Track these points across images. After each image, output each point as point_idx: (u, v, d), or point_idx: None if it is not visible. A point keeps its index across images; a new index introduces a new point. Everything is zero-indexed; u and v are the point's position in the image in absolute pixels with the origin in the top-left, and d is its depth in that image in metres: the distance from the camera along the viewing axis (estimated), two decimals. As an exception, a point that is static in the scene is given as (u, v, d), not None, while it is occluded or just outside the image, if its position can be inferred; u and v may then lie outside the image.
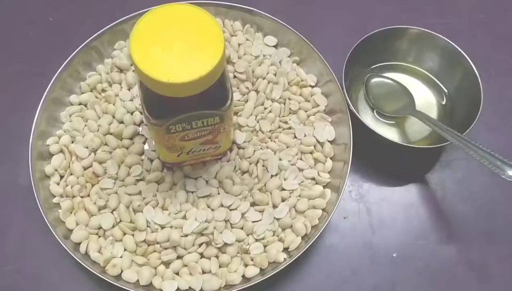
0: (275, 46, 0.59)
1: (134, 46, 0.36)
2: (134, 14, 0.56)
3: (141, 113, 0.54)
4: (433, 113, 0.58)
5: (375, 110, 0.58)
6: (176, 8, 0.38)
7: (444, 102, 0.59)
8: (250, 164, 0.52)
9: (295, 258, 0.46)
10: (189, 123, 0.41)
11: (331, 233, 0.53)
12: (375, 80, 0.59)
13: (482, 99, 0.53)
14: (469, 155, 0.47)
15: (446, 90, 0.59)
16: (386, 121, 0.57)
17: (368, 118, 0.58)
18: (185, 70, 0.35)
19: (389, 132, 0.57)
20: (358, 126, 0.52)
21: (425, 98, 0.59)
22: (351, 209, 0.54)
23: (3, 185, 0.53)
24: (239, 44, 0.58)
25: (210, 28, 0.37)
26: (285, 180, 0.51)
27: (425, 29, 0.57)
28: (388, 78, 0.59)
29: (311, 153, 0.53)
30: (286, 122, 0.55)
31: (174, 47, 0.36)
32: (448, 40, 0.56)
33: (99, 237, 0.49)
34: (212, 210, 0.49)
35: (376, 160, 0.57)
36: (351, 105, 0.52)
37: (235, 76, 0.56)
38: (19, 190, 0.53)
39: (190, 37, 0.36)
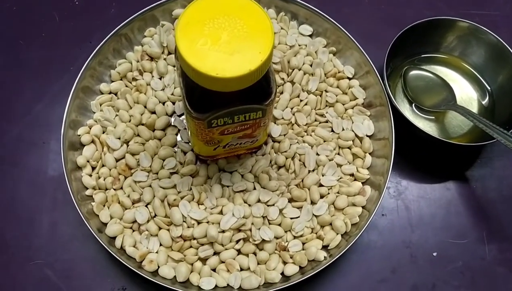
0: (311, 36, 0.58)
1: (180, 36, 0.35)
2: (165, 0, 0.56)
3: (173, 103, 0.54)
4: (474, 109, 0.58)
5: (413, 104, 0.57)
6: None
7: (485, 100, 0.58)
8: (286, 158, 0.51)
9: (336, 257, 0.46)
10: (231, 117, 0.40)
11: (369, 230, 0.53)
12: (413, 72, 0.58)
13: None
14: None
15: (489, 87, 0.58)
16: (424, 115, 0.57)
17: (406, 112, 0.57)
18: (233, 64, 0.34)
19: (428, 127, 0.56)
20: (397, 121, 0.52)
21: (466, 94, 0.59)
22: (389, 206, 0.54)
23: (32, 176, 0.53)
24: (274, 33, 0.57)
25: (259, 19, 0.36)
26: (323, 175, 0.51)
27: (470, 21, 0.56)
28: (427, 70, 0.58)
29: (349, 147, 0.53)
30: (322, 116, 0.54)
31: (221, 39, 0.35)
32: (495, 36, 0.56)
33: (134, 231, 0.49)
34: (249, 205, 0.49)
35: (414, 155, 0.56)
36: (392, 98, 0.51)
37: (269, 67, 0.55)
38: (49, 181, 0.53)
39: (239, 28, 0.35)
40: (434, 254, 0.52)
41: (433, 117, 0.57)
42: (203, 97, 0.38)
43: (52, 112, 0.54)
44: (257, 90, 0.38)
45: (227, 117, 0.40)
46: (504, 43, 0.55)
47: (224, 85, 0.35)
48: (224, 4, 0.36)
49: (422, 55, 0.60)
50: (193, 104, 0.39)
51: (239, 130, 0.43)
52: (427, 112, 0.57)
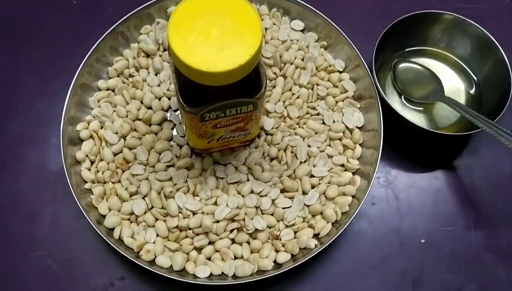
0: (302, 31, 0.60)
1: (172, 33, 0.36)
2: (161, -3, 0.57)
3: (169, 98, 0.55)
4: (461, 100, 0.59)
5: (402, 96, 0.58)
6: None
7: (472, 90, 0.59)
8: (278, 150, 0.53)
9: (326, 244, 0.47)
10: (223, 111, 0.42)
11: (359, 218, 0.54)
12: (402, 65, 0.59)
13: (512, 88, 0.54)
14: (500, 142, 0.48)
15: (475, 78, 0.60)
16: (413, 107, 0.58)
17: (396, 104, 0.58)
18: (223, 59, 0.35)
19: (417, 118, 0.58)
20: (386, 112, 0.53)
21: (454, 85, 0.60)
22: (379, 195, 0.55)
23: (33, 170, 0.55)
24: (266, 29, 0.59)
25: (247, 15, 0.37)
26: (314, 166, 0.52)
27: (456, 14, 0.57)
28: (416, 63, 0.60)
29: (340, 139, 0.54)
30: (314, 108, 0.55)
31: (211, 35, 0.36)
32: (480, 28, 0.57)
33: (131, 222, 0.50)
34: (243, 196, 0.50)
35: (403, 146, 0.58)
36: (381, 91, 0.53)
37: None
38: (49, 175, 0.54)
39: (228, 25, 0.37)
40: (422, 240, 0.54)
41: (422, 108, 0.58)
42: (196, 91, 0.40)
43: (52, 109, 0.56)
44: (248, 84, 0.40)
45: (219, 111, 0.41)
46: (489, 34, 0.56)
47: (215, 79, 0.36)
48: (214, 1, 0.38)
49: (411, 48, 0.61)
50: (186, 99, 0.41)
51: (231, 124, 0.45)
52: (416, 103, 0.58)
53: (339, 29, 0.56)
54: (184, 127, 0.51)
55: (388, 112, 0.53)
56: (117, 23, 0.56)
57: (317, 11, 0.57)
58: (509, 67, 0.55)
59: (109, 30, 0.55)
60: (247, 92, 0.41)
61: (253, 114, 0.44)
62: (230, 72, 0.36)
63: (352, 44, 0.55)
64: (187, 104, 0.41)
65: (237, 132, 0.47)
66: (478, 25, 0.57)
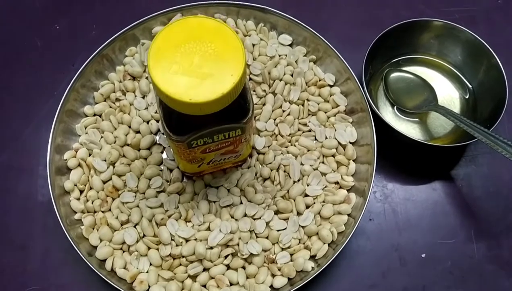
0: (291, 45, 0.58)
1: (152, 64, 0.35)
2: (144, 18, 0.55)
3: (157, 121, 0.54)
4: (456, 107, 0.57)
5: (395, 107, 0.57)
6: (193, 21, 0.37)
7: (467, 97, 0.58)
8: (271, 170, 0.51)
9: (324, 267, 0.45)
10: (210, 137, 0.40)
11: (357, 236, 0.53)
12: (394, 75, 0.58)
13: (507, 92, 0.52)
14: (497, 152, 0.47)
15: (469, 85, 0.58)
16: (407, 117, 0.57)
17: (389, 115, 0.57)
18: (206, 88, 0.34)
19: (411, 129, 0.56)
20: (379, 124, 0.51)
21: (447, 93, 0.58)
22: (376, 210, 0.54)
23: (21, 202, 0.53)
24: (253, 45, 0.57)
25: (230, 41, 0.36)
26: (308, 185, 0.51)
27: (446, 21, 0.56)
28: (408, 72, 0.58)
29: (333, 155, 0.53)
30: (305, 125, 0.54)
31: (193, 64, 0.35)
32: (471, 33, 0.55)
33: (124, 252, 0.49)
34: (236, 220, 0.49)
35: (399, 158, 0.56)
36: (372, 104, 0.51)
37: (250, 79, 0.55)
38: (39, 206, 0.53)
39: (210, 52, 0.35)
40: (423, 255, 0.52)
41: (417, 119, 0.57)
42: (181, 120, 0.38)
43: (39, 137, 0.54)
44: (234, 110, 0.38)
45: (206, 137, 0.40)
46: (480, 39, 0.55)
47: (198, 109, 0.35)
48: (194, 28, 0.36)
49: (402, 57, 0.60)
50: (172, 128, 0.39)
51: (220, 148, 0.43)
52: (409, 114, 0.57)
53: (327, 42, 0.55)
54: (173, 155, 0.50)
55: (381, 124, 0.51)
56: (102, 46, 0.54)
57: (304, 24, 0.56)
58: (503, 72, 0.53)
59: (94, 54, 0.54)
60: (234, 118, 0.40)
61: (242, 138, 0.43)
62: (214, 101, 0.34)
63: (341, 57, 0.54)
64: (173, 133, 0.40)
65: (228, 155, 0.46)
66: (469, 31, 0.55)
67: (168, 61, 0.35)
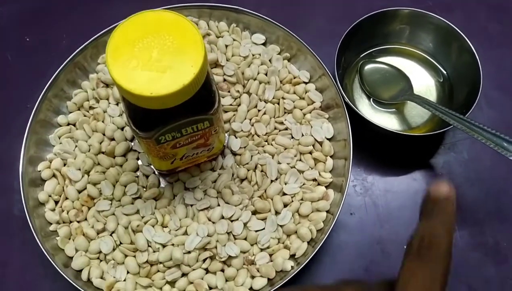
0: (264, 44, 0.56)
1: (111, 62, 0.34)
2: (115, 24, 0.53)
3: (131, 127, 0.52)
4: (433, 94, 0.56)
5: (371, 98, 0.55)
6: (150, 16, 0.35)
7: (442, 82, 0.56)
8: (248, 170, 0.50)
9: (303, 265, 0.44)
10: (178, 131, 0.39)
11: (338, 231, 0.51)
12: (369, 66, 0.56)
13: (482, 76, 0.51)
14: (474, 138, 0.45)
15: (443, 70, 0.57)
16: (384, 109, 0.55)
17: (365, 107, 0.55)
18: (167, 80, 0.33)
19: (389, 120, 0.54)
20: (356, 118, 0.50)
21: (423, 80, 0.57)
22: (357, 204, 0.52)
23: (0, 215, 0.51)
24: (227, 46, 0.55)
25: (188, 33, 0.35)
26: (285, 184, 0.49)
27: (415, 8, 0.54)
28: (382, 63, 0.57)
29: (310, 152, 0.51)
30: (282, 123, 0.52)
31: (152, 57, 0.34)
32: (440, 18, 0.54)
33: (101, 261, 0.47)
34: (213, 222, 0.47)
35: (377, 150, 0.54)
36: (346, 98, 0.49)
37: (224, 80, 0.54)
38: (15, 220, 0.51)
39: (169, 44, 0.34)
40: (405, 246, 0.50)
41: (394, 109, 0.55)
42: (146, 116, 0.37)
43: (13, 152, 0.52)
44: (199, 101, 0.37)
45: (174, 131, 0.39)
46: (451, 24, 0.54)
47: (161, 102, 0.34)
48: (151, 22, 0.35)
49: (375, 48, 0.58)
50: (138, 124, 0.38)
51: (191, 142, 0.42)
52: (386, 105, 0.55)
53: (300, 40, 0.53)
54: (145, 154, 0.48)
55: (358, 118, 0.50)
56: (73, 54, 0.52)
57: (276, 23, 0.54)
58: (477, 56, 0.52)
59: (65, 62, 0.52)
60: (200, 110, 0.39)
61: (211, 130, 0.42)
62: (175, 93, 0.33)
63: (314, 54, 0.52)
64: (139, 129, 0.38)
65: (200, 149, 0.45)
66: (437, 16, 0.54)
67: (126, 57, 0.34)
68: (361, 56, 0.58)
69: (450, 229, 0.27)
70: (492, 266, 0.50)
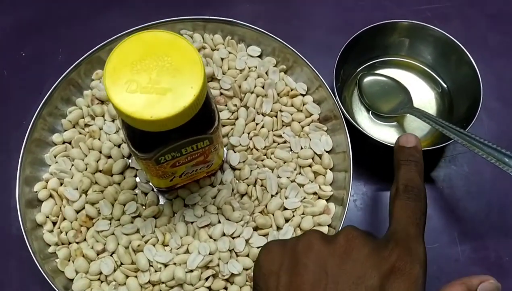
0: (260, 56, 0.58)
1: (109, 85, 0.34)
2: (109, 40, 0.55)
3: (128, 145, 0.53)
4: (433, 107, 0.57)
5: (371, 111, 0.57)
6: (148, 36, 0.36)
7: (442, 95, 0.58)
8: (248, 185, 0.51)
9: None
10: (178, 151, 0.40)
11: (340, 246, 0.52)
12: (368, 79, 0.58)
13: (482, 87, 0.52)
14: (474, 152, 0.47)
15: (443, 82, 0.58)
16: (383, 122, 0.57)
17: (365, 121, 0.57)
18: (167, 103, 0.34)
19: (388, 133, 0.56)
20: (355, 132, 0.51)
21: (423, 93, 0.58)
22: (357, 219, 0.54)
23: (-4, 236, 0.53)
24: (222, 59, 0.57)
25: (186, 53, 0.35)
26: (286, 198, 0.50)
27: (415, 20, 0.56)
28: (381, 75, 0.58)
29: (310, 165, 0.52)
30: (280, 136, 0.54)
31: (151, 79, 0.34)
32: (440, 30, 0.55)
33: (102, 282, 0.48)
34: (215, 240, 0.48)
35: (377, 164, 0.56)
36: (344, 111, 0.51)
37: (221, 94, 0.55)
38: (13, 240, 0.52)
39: (167, 66, 0.35)
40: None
41: (394, 122, 0.57)
42: (146, 137, 0.38)
43: (9, 170, 0.53)
44: (199, 121, 0.38)
45: (174, 152, 0.40)
46: (450, 37, 0.55)
47: (162, 125, 0.35)
48: (149, 43, 0.36)
49: (375, 60, 0.60)
50: (137, 146, 0.39)
51: (190, 160, 0.43)
52: (385, 118, 0.57)
53: (296, 51, 0.55)
54: (144, 172, 0.49)
55: (357, 131, 0.51)
56: (67, 71, 0.54)
57: (272, 35, 0.56)
58: (477, 68, 0.54)
59: (58, 80, 0.53)
60: (200, 129, 0.40)
61: (211, 148, 0.43)
62: (176, 116, 0.34)
63: (311, 66, 0.54)
64: (138, 151, 0.39)
65: (199, 166, 0.46)
66: (437, 28, 0.56)
67: (125, 80, 0.34)
68: (360, 68, 0.59)
69: (421, 172, 0.38)
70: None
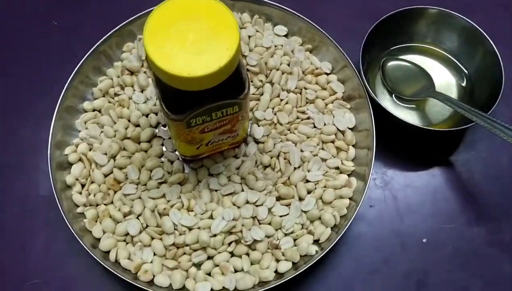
0: (286, 36, 0.61)
1: (148, 43, 0.37)
2: (140, 14, 0.58)
3: (156, 114, 0.56)
4: (453, 95, 0.60)
5: (393, 94, 0.60)
6: (186, 0, 0.39)
7: (464, 83, 0.61)
8: (271, 157, 0.54)
9: (328, 249, 0.48)
10: (209, 115, 0.43)
11: (358, 222, 0.55)
12: (391, 63, 0.61)
13: (503, 78, 0.55)
14: (495, 135, 0.49)
15: (466, 71, 0.61)
16: (405, 105, 0.59)
17: (387, 103, 0.59)
18: (203, 62, 0.36)
19: (410, 116, 0.59)
20: (377, 112, 0.54)
21: (445, 80, 0.61)
22: (377, 197, 0.56)
23: (23, 197, 0.55)
24: (249, 37, 0.60)
25: (223, 18, 0.38)
26: (308, 171, 0.53)
27: (442, 8, 0.59)
28: (405, 60, 0.61)
29: (332, 141, 0.55)
30: (304, 113, 0.56)
31: (189, 40, 0.37)
32: (467, 20, 0.58)
33: (127, 243, 0.51)
34: (238, 207, 0.51)
35: (398, 145, 0.58)
36: (369, 90, 0.54)
37: (248, 70, 0.58)
38: (40, 201, 0.55)
39: (204, 28, 0.37)
40: (424, 240, 0.54)
41: (414, 105, 0.59)
42: (179, 98, 0.40)
43: (39, 134, 0.56)
44: (231, 86, 0.40)
45: (205, 115, 0.42)
46: (476, 25, 0.58)
47: (196, 84, 0.37)
48: (188, 6, 0.38)
49: (399, 46, 0.62)
50: (170, 107, 0.42)
51: (218, 127, 0.46)
52: (407, 101, 0.59)
53: (323, 31, 0.57)
54: (172, 139, 0.52)
55: (380, 111, 0.54)
56: (98, 43, 0.57)
57: (299, 14, 0.58)
58: (499, 58, 0.56)
59: (90, 50, 0.56)
60: (231, 94, 0.42)
61: (239, 115, 0.45)
62: (211, 75, 0.36)
63: (337, 45, 0.56)
64: (171, 112, 0.42)
65: (225, 135, 0.48)
66: (464, 17, 0.58)
67: (163, 39, 0.37)
68: (384, 52, 0.62)
69: None
70: (508, 263, 0.54)
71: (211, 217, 0.50)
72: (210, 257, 0.50)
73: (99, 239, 0.50)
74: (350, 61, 0.55)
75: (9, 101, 0.61)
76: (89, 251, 0.48)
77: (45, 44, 0.64)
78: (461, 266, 0.53)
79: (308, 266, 0.48)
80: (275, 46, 0.59)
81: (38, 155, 0.56)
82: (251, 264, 0.49)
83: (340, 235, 0.48)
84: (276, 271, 0.49)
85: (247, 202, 0.51)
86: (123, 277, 0.47)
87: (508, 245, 0.55)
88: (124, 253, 0.49)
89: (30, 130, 0.59)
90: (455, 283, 0.53)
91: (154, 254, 0.50)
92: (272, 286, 0.47)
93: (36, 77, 0.62)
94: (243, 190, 0.52)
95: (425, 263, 0.54)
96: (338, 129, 0.55)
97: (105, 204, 0.52)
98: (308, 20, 0.58)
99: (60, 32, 0.65)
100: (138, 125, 0.55)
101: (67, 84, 0.55)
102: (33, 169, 0.56)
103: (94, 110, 0.57)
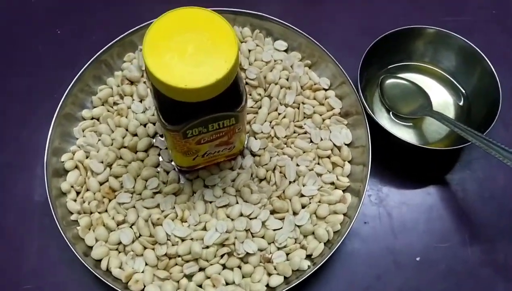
0: (286, 51, 0.62)
1: (147, 53, 0.38)
2: (142, 25, 0.59)
3: (153, 124, 0.57)
4: (450, 114, 0.60)
5: (391, 112, 0.60)
6: (187, 12, 0.40)
7: (461, 103, 0.61)
8: (267, 171, 0.54)
9: (320, 265, 0.48)
10: (205, 126, 0.43)
11: (352, 238, 0.55)
12: (389, 81, 0.61)
13: (501, 98, 0.55)
14: (491, 155, 0.49)
15: (463, 90, 0.61)
16: (403, 123, 0.60)
17: (384, 120, 0.60)
18: (201, 74, 0.37)
19: (406, 134, 0.59)
20: (374, 129, 0.54)
21: (442, 99, 0.61)
22: (371, 214, 0.56)
23: (18, 202, 0.56)
24: (249, 50, 0.61)
25: (222, 30, 0.39)
26: (303, 186, 0.53)
27: (440, 28, 0.59)
28: (403, 78, 0.61)
29: (328, 157, 0.55)
30: (301, 127, 0.57)
31: (188, 52, 0.38)
32: (465, 40, 0.59)
33: (120, 252, 0.51)
34: (232, 219, 0.51)
35: (394, 162, 0.59)
36: (367, 107, 0.54)
37: (247, 83, 0.59)
38: (35, 206, 0.55)
39: (203, 40, 0.38)
40: (418, 258, 0.54)
41: (411, 123, 0.60)
42: (176, 109, 0.41)
43: (37, 139, 0.57)
44: (228, 98, 0.41)
45: (201, 126, 0.43)
46: (473, 46, 0.58)
47: (194, 95, 0.38)
48: (188, 18, 0.39)
49: (397, 64, 0.63)
50: (167, 117, 0.42)
51: (215, 139, 0.46)
52: (404, 119, 0.60)
53: (323, 48, 0.58)
54: (168, 149, 0.53)
55: (376, 128, 0.54)
56: (99, 52, 0.57)
57: (299, 30, 0.59)
58: (497, 78, 0.57)
59: (91, 59, 0.57)
60: (228, 106, 0.42)
61: (235, 128, 0.46)
62: (209, 87, 0.37)
63: (336, 62, 0.57)
64: (168, 122, 0.42)
65: (222, 147, 0.49)
66: (462, 37, 0.59)
67: (162, 50, 0.38)
68: (383, 70, 0.63)
69: None
70: (501, 283, 0.54)
71: (204, 229, 0.51)
72: (201, 269, 0.50)
73: (91, 247, 0.51)
74: (349, 78, 0.56)
75: (9, 106, 0.61)
76: (80, 259, 0.48)
77: (48, 52, 0.65)
78: (455, 286, 0.54)
79: (300, 280, 0.48)
80: (275, 60, 0.60)
81: (35, 160, 0.57)
82: (243, 277, 0.50)
83: (333, 250, 0.48)
84: (267, 285, 0.49)
85: (241, 215, 0.51)
86: (113, 286, 0.47)
87: (502, 265, 0.55)
88: (115, 262, 0.50)
89: (30, 133, 0.59)
90: (447, 303, 0.53)
91: (146, 264, 0.50)
92: (263, 299, 0.47)
93: (37, 83, 0.63)
94: (237, 202, 0.52)
95: (418, 281, 0.54)
96: (334, 144, 0.56)
97: (99, 212, 0.52)
98: (308, 36, 0.59)
99: (63, 40, 0.66)
100: (135, 135, 0.56)
101: (67, 91, 0.55)
102: (30, 174, 0.57)
103: (92, 118, 0.57)
